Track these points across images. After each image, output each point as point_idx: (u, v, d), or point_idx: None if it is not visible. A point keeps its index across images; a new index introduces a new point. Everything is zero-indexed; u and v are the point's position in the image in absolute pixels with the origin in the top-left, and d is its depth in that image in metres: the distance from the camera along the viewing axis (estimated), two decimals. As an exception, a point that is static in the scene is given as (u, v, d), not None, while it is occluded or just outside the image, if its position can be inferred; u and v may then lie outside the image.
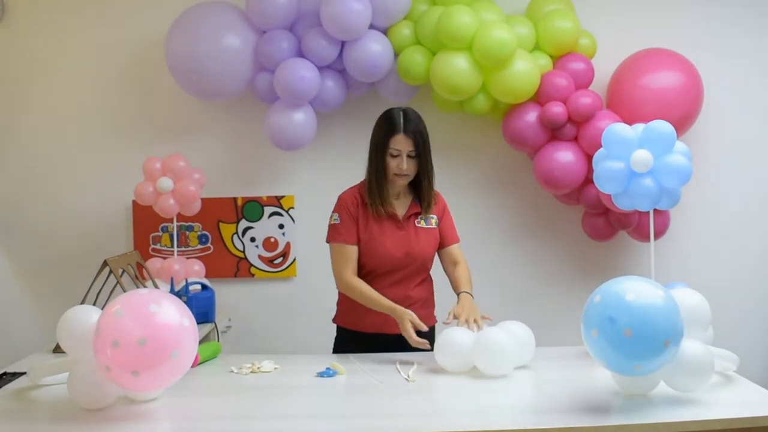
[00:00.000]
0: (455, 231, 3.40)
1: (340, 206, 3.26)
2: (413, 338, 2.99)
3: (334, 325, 3.41)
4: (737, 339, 4.02)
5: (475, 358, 2.82)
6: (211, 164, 4.61)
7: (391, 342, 3.22)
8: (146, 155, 4.32)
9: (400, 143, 3.12)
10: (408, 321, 3.01)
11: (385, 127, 3.16)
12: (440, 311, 3.43)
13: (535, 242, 4.74)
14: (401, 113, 3.16)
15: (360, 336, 3.28)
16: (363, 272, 3.27)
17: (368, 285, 3.20)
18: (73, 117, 4.71)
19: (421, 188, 3.24)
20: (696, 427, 2.30)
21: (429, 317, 3.36)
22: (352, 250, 3.22)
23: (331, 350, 3.39)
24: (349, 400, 2.67)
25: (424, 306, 3.31)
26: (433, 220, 3.29)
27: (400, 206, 3.27)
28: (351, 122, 4.26)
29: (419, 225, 3.26)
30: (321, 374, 2.87)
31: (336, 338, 3.40)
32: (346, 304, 3.33)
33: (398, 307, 3.08)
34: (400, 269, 3.23)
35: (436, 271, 3.38)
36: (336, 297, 3.38)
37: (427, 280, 3.36)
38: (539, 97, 4.25)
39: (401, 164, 3.13)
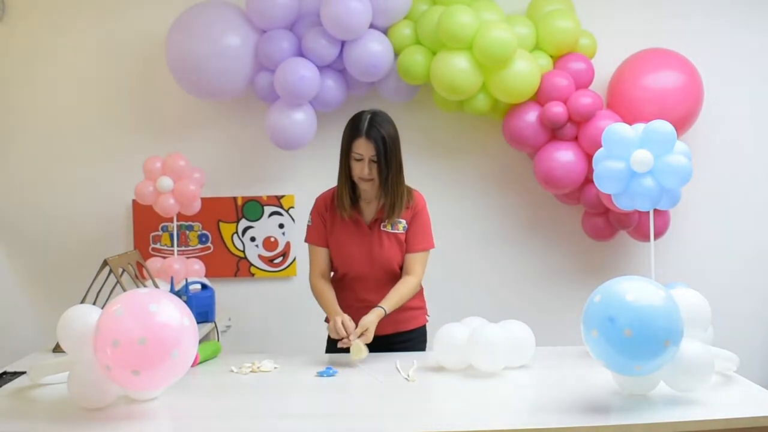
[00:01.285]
0: (424, 239, 3.27)
1: (313, 209, 3.32)
2: (334, 329, 3.02)
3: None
4: (737, 339, 4.02)
5: (470, 354, 2.82)
6: (211, 164, 4.61)
7: (379, 343, 3.22)
8: (146, 154, 4.32)
9: (362, 147, 3.10)
10: (333, 320, 3.05)
11: (349, 130, 3.15)
12: (433, 310, 3.43)
13: (535, 242, 4.73)
14: (368, 117, 3.12)
15: None
16: (337, 276, 3.30)
17: (330, 289, 3.25)
18: (73, 116, 4.71)
19: (384, 194, 3.19)
20: (696, 427, 2.30)
21: (416, 318, 3.37)
22: (320, 252, 3.29)
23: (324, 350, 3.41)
24: (349, 400, 2.67)
25: (412, 307, 3.31)
26: (401, 224, 3.23)
27: (370, 210, 3.25)
28: (351, 122, 4.25)
29: (384, 229, 3.22)
30: (321, 374, 2.87)
31: (327, 338, 3.40)
32: None
33: (334, 312, 3.14)
34: (369, 274, 3.23)
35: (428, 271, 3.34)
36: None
37: None
38: (539, 97, 4.25)
39: (364, 169, 3.11)
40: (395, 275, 3.26)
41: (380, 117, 3.14)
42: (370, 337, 3.01)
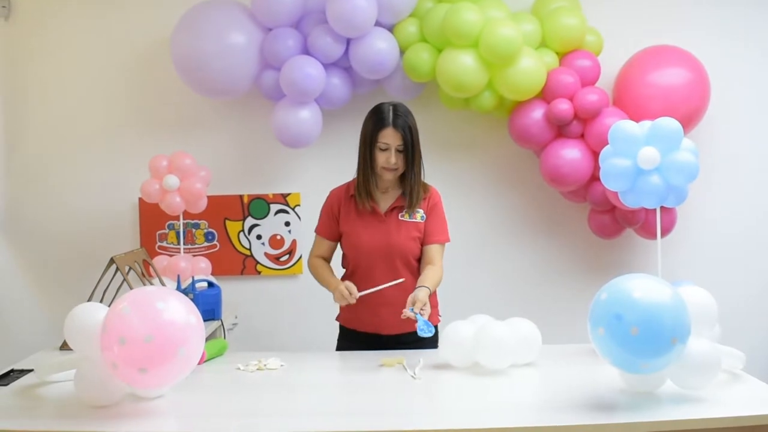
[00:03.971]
0: (442, 231, 3.31)
1: (326, 201, 3.38)
2: (341, 296, 3.07)
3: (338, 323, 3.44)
4: (744, 336, 4.02)
5: (476, 352, 2.82)
6: (217, 162, 4.62)
7: (386, 342, 3.24)
8: (152, 153, 4.32)
9: (389, 137, 3.14)
10: (338, 290, 3.09)
11: (374, 120, 3.19)
12: (444, 311, 3.43)
13: (541, 240, 4.73)
14: (391, 107, 3.18)
15: (358, 335, 3.31)
16: (350, 268, 3.30)
17: (326, 264, 3.35)
18: (78, 115, 4.71)
19: (407, 183, 3.23)
20: (702, 425, 2.29)
21: (431, 317, 3.34)
22: (323, 242, 3.37)
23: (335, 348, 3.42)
24: (355, 398, 2.67)
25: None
26: (419, 214, 3.26)
27: (386, 200, 3.28)
28: (357, 119, 4.22)
29: (402, 218, 3.24)
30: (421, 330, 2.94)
31: (338, 336, 3.42)
32: None
33: (335, 282, 3.18)
34: (382, 262, 3.22)
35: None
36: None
37: None
38: (545, 95, 4.25)
39: (390, 158, 3.15)
40: (410, 267, 3.25)
41: (403, 108, 3.20)
42: (428, 310, 3.02)
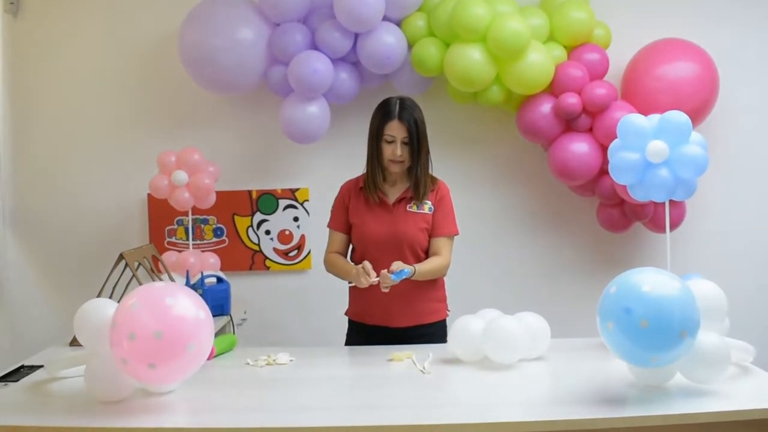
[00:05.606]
0: (450, 223, 3.32)
1: (337, 194, 3.41)
2: (362, 281, 3.03)
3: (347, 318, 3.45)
4: (753, 330, 3.99)
5: (485, 346, 2.82)
6: (225, 157, 4.62)
7: (394, 335, 3.24)
8: (160, 149, 4.34)
9: (395, 129, 3.18)
10: (359, 272, 3.06)
11: (381, 114, 3.23)
12: (453, 306, 3.43)
13: (549, 234, 4.72)
14: (398, 101, 3.22)
15: (367, 329, 3.32)
16: (359, 260, 3.28)
17: (342, 257, 3.35)
18: (87, 111, 4.73)
19: (414, 174, 3.25)
20: (712, 418, 2.29)
21: (437, 311, 3.36)
22: (337, 236, 3.38)
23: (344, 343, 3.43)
24: (364, 392, 2.67)
25: (433, 299, 3.32)
26: (427, 206, 3.28)
27: (395, 192, 3.30)
28: (365, 114, 4.24)
29: (410, 210, 3.26)
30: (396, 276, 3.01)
31: (347, 331, 3.43)
32: (353, 296, 3.38)
33: (351, 266, 3.19)
34: (390, 253, 3.20)
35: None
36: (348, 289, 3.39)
37: None
38: (553, 88, 4.24)
39: (395, 150, 3.18)
40: (417, 258, 3.26)
41: (409, 101, 3.24)
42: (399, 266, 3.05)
